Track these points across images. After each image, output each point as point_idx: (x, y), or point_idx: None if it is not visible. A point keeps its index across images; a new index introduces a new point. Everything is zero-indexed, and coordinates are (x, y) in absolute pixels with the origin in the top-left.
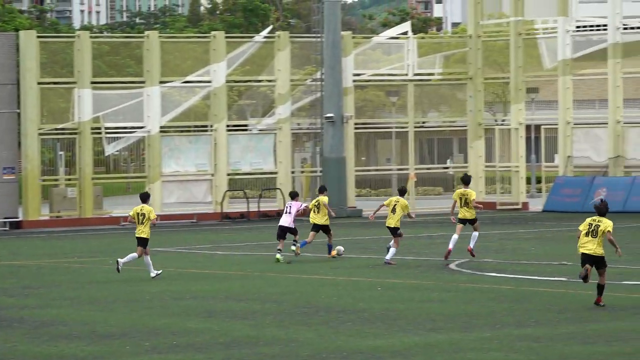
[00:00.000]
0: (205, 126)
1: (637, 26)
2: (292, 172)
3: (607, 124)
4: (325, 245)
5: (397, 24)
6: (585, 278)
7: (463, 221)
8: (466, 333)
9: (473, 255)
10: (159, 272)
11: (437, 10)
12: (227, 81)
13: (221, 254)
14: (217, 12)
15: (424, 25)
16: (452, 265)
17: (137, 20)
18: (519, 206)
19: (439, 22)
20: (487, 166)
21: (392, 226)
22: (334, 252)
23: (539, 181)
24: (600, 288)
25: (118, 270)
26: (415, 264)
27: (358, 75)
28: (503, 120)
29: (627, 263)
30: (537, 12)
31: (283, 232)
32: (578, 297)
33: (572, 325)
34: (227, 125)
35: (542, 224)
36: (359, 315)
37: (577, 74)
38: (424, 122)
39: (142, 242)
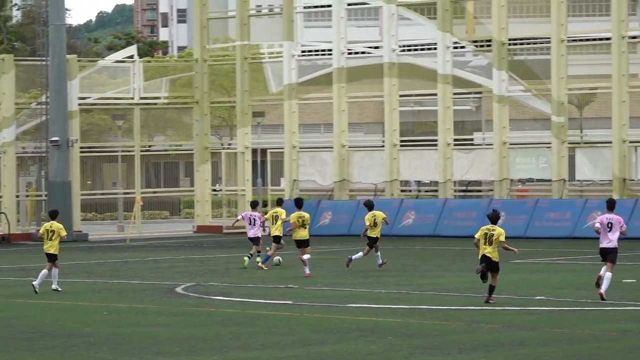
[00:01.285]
0: None
1: (362, 51)
2: (17, 197)
3: (332, 147)
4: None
5: (123, 47)
6: (482, 276)
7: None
8: (193, 357)
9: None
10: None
11: (163, 34)
12: None
13: None
14: None
15: (150, 48)
16: (179, 289)
17: None
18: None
19: (165, 46)
20: (213, 190)
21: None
22: (264, 264)
23: (265, 205)
24: (491, 289)
25: (36, 292)
26: (141, 288)
27: (84, 98)
28: (229, 144)
29: (352, 286)
30: (263, 36)
31: (254, 241)
32: (303, 319)
33: (298, 348)
34: None
35: (268, 247)
36: (85, 340)
37: (302, 98)
38: (150, 146)
39: (52, 257)
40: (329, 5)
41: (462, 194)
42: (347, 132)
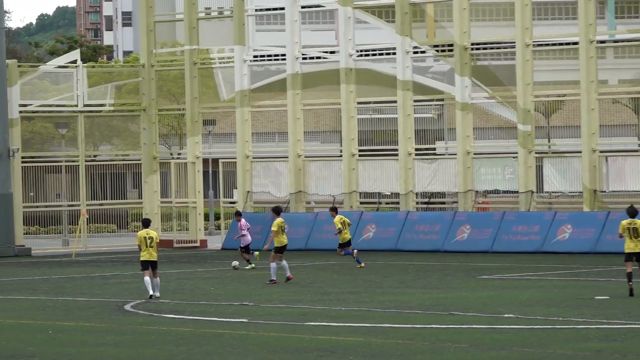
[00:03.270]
0: None
1: (317, 56)
2: None
3: (287, 157)
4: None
5: (66, 52)
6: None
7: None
8: None
9: None
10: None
11: (108, 38)
12: None
13: None
14: None
15: (94, 53)
16: (128, 307)
17: None
18: (197, 244)
19: (109, 50)
20: (163, 202)
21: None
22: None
23: (217, 217)
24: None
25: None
26: (88, 305)
27: (25, 105)
28: (179, 154)
29: (310, 303)
30: (212, 40)
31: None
32: (260, 338)
33: None
34: None
35: (222, 262)
36: None
37: (255, 106)
38: (95, 156)
39: (153, 265)
40: (282, 8)
41: (424, 206)
42: (303, 141)
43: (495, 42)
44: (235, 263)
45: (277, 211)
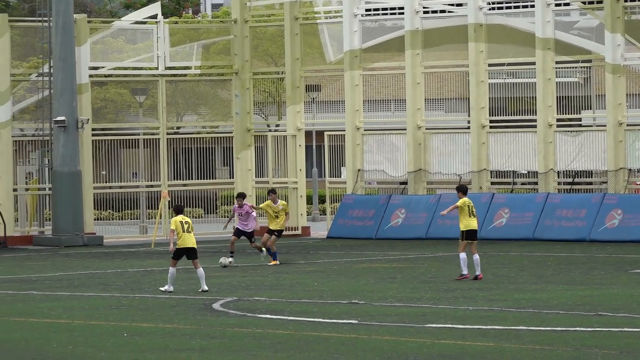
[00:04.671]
0: None
1: (441, 10)
2: (15, 190)
3: (405, 129)
4: None
5: (144, 5)
6: None
7: None
8: None
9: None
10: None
11: None
12: None
13: None
14: None
15: (178, 6)
16: (217, 305)
17: None
18: (299, 232)
19: (196, 3)
20: (257, 182)
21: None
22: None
23: (322, 200)
24: None
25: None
26: (169, 303)
27: (96, 68)
28: (277, 125)
29: (432, 301)
30: None
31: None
32: (372, 343)
33: None
34: None
35: (327, 253)
36: None
37: (367, 69)
38: (178, 128)
39: (192, 253)
40: None
41: (567, 187)
42: (424, 110)
43: None
44: (226, 260)
45: (463, 190)
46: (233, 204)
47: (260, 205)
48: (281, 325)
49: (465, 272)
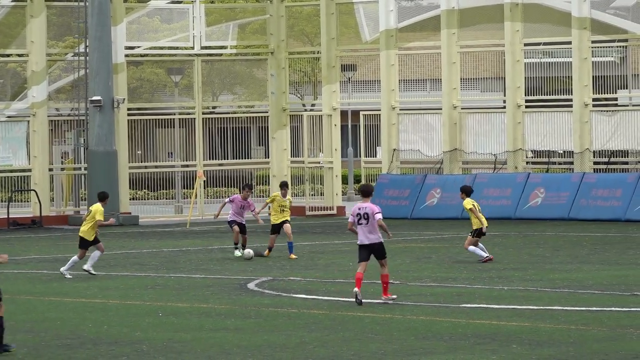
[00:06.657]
0: None
1: None
2: (50, 170)
3: (441, 109)
4: None
5: None
6: None
7: None
8: None
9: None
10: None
11: None
12: None
13: None
14: None
15: None
16: (252, 285)
17: None
18: (334, 211)
19: None
20: (293, 162)
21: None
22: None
23: (358, 180)
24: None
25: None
26: (204, 283)
27: (132, 48)
28: (313, 105)
29: (467, 281)
30: None
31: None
32: (407, 322)
33: (401, 359)
34: None
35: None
36: (136, 348)
37: (403, 48)
38: (214, 107)
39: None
40: None
41: (603, 166)
42: (460, 89)
43: None
44: (249, 253)
45: (467, 192)
46: (268, 183)
47: (267, 200)
48: (316, 305)
49: (485, 254)
